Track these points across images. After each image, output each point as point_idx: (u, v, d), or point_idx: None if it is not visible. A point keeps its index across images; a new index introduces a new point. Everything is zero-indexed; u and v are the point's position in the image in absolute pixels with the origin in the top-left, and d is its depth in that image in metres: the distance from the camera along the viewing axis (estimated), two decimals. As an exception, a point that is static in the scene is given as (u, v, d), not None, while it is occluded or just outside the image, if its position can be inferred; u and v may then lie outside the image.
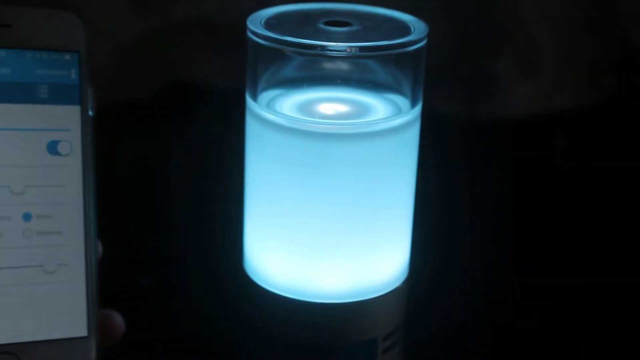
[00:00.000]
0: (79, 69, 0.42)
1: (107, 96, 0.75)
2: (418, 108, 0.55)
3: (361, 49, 0.51)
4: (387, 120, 0.53)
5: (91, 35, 0.43)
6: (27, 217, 0.41)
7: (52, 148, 0.41)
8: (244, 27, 0.53)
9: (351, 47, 0.51)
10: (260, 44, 0.52)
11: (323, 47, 0.51)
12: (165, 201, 0.76)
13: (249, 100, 0.55)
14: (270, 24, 0.53)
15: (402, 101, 0.55)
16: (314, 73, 0.54)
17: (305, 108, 0.54)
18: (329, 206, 0.53)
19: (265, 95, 0.55)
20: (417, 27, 0.54)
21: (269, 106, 0.54)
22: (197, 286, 0.68)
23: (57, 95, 0.41)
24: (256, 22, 0.53)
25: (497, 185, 0.82)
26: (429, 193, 0.59)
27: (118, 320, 0.43)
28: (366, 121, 0.53)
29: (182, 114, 0.80)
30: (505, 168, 0.84)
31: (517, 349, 0.63)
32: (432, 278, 0.62)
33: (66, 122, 0.41)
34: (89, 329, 0.41)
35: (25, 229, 0.41)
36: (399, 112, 0.54)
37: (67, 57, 0.42)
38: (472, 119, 0.86)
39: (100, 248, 0.43)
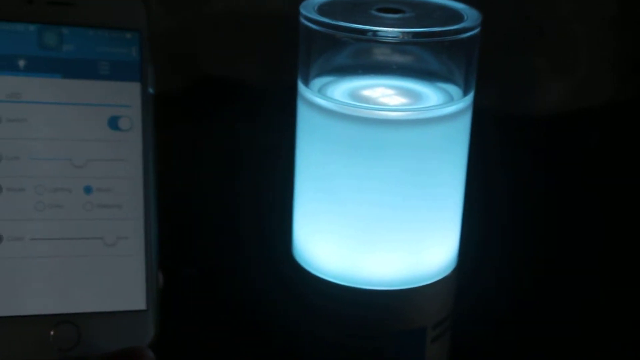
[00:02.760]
0: (139, 47, 0.42)
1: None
2: (470, 96, 0.54)
3: (414, 34, 0.51)
4: (440, 108, 0.53)
5: (152, 15, 0.43)
6: (88, 190, 0.41)
7: (113, 123, 0.42)
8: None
9: (404, 32, 0.51)
10: (313, 30, 0.52)
11: (376, 33, 0.51)
12: (192, 194, 0.76)
13: (300, 85, 0.55)
14: (323, 10, 0.53)
15: (454, 90, 0.54)
16: (366, 61, 0.54)
17: (357, 95, 0.54)
18: (380, 193, 0.52)
19: (317, 82, 0.55)
20: (470, 14, 0.54)
21: (321, 92, 0.53)
22: (245, 273, 0.68)
23: (119, 72, 0.42)
24: (309, 8, 0.53)
25: (530, 181, 0.81)
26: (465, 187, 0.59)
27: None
28: (418, 108, 0.53)
29: (211, 110, 0.80)
30: (539, 165, 0.84)
31: (562, 340, 0.63)
32: (475, 269, 0.62)
33: (127, 98, 0.42)
34: (147, 303, 0.42)
35: (86, 201, 0.41)
36: (450, 100, 0.54)
37: (129, 35, 0.42)
38: (506, 115, 0.86)
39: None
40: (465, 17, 0.53)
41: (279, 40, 0.75)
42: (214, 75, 0.81)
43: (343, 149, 0.52)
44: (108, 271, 0.41)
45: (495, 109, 0.85)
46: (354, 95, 0.54)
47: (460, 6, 0.55)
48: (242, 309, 0.64)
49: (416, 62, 0.54)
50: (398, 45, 0.52)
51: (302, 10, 0.53)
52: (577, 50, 0.86)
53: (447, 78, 0.54)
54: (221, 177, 0.77)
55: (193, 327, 0.61)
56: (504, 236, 0.72)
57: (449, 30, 0.52)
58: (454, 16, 0.54)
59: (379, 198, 0.53)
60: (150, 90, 0.43)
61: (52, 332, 0.40)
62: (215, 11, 0.81)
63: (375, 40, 0.51)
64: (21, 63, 0.40)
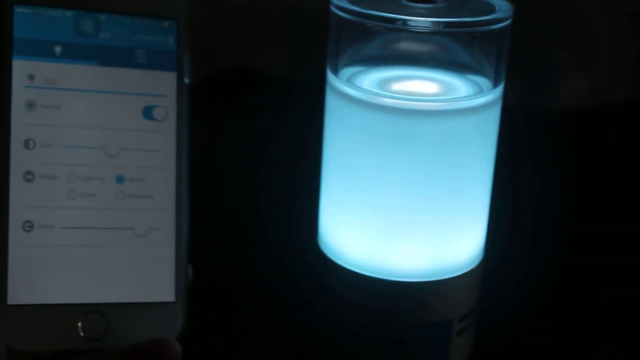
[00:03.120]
0: (176, 36, 0.42)
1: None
2: (500, 88, 0.54)
3: (445, 24, 0.51)
4: (469, 99, 0.52)
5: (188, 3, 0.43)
6: (120, 179, 0.41)
7: (148, 113, 0.42)
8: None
9: (435, 22, 0.50)
10: (343, 18, 0.52)
11: (406, 22, 0.50)
12: (218, 184, 0.76)
13: (329, 74, 0.54)
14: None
15: (484, 81, 0.54)
16: (396, 51, 0.54)
17: (386, 85, 0.53)
18: (408, 184, 0.52)
19: (346, 71, 0.54)
20: (502, 5, 0.53)
21: (350, 82, 0.53)
22: (271, 263, 0.68)
23: (155, 61, 0.42)
24: (340, -3, 0.53)
25: (553, 177, 0.81)
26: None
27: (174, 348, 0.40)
28: (448, 98, 0.52)
29: (236, 99, 0.80)
30: (562, 160, 0.83)
31: (588, 335, 0.63)
32: (501, 262, 0.62)
33: (162, 87, 0.42)
34: (176, 295, 0.42)
35: (118, 191, 0.41)
36: (480, 91, 0.53)
37: (166, 24, 0.42)
38: (529, 110, 0.85)
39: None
40: (497, 8, 0.53)
41: (302, 30, 0.75)
42: (236, 66, 0.81)
43: (371, 139, 0.52)
44: (138, 262, 0.41)
45: (518, 105, 0.84)
46: (383, 85, 0.53)
47: (491, -3, 0.55)
48: (267, 299, 0.64)
49: (446, 53, 0.54)
50: (428, 36, 0.52)
51: (333, -1, 0.53)
52: (600, 46, 0.86)
53: (477, 70, 0.54)
54: (247, 166, 0.77)
55: (219, 318, 0.61)
56: (530, 230, 0.72)
57: (481, 20, 0.51)
58: (486, 7, 0.53)
59: (406, 189, 0.52)
60: (186, 80, 0.42)
61: (80, 322, 0.40)
62: (237, 1, 0.80)
63: (405, 29, 0.51)
64: (57, 49, 0.40)
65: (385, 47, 0.54)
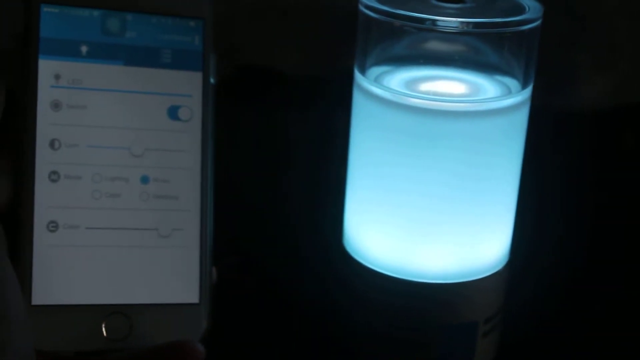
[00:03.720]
0: (202, 36, 0.42)
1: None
2: (528, 90, 0.53)
3: (475, 25, 0.50)
4: (498, 100, 0.52)
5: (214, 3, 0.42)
6: (144, 179, 0.41)
7: (173, 113, 0.41)
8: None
9: (464, 22, 0.50)
10: (372, 18, 0.52)
11: (435, 22, 0.50)
12: (242, 184, 0.76)
13: (357, 74, 0.54)
14: (382, -1, 0.53)
15: (512, 83, 0.53)
16: (424, 51, 0.53)
17: (413, 85, 0.53)
18: (434, 184, 0.52)
19: (374, 71, 0.54)
20: (532, 6, 0.53)
21: (377, 81, 0.53)
22: (296, 264, 0.68)
23: (180, 61, 0.42)
24: (369, -4, 0.53)
25: (577, 178, 0.80)
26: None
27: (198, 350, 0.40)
28: (476, 99, 0.52)
29: (253, 98, 0.80)
30: (579, 160, 0.82)
31: (613, 338, 0.62)
32: (527, 264, 0.61)
33: (188, 87, 0.42)
34: (200, 297, 0.41)
35: (142, 191, 0.41)
36: (508, 93, 0.53)
37: (192, 23, 0.42)
38: (546, 110, 0.84)
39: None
40: (527, 9, 0.52)
41: (321, 29, 0.74)
42: (256, 65, 0.81)
43: (398, 139, 0.52)
44: (162, 263, 0.41)
45: (535, 104, 0.83)
46: (411, 85, 0.53)
47: (521, -3, 0.54)
48: (291, 300, 0.64)
49: (475, 54, 0.53)
50: (457, 36, 0.51)
51: (362, -2, 0.53)
52: (618, 46, 0.85)
53: (505, 71, 0.54)
54: (272, 166, 0.76)
55: (243, 319, 0.60)
56: (556, 231, 0.71)
57: (510, 21, 0.51)
58: (516, 8, 0.53)
59: (432, 189, 0.52)
60: (212, 80, 0.42)
61: (104, 323, 0.40)
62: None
63: (434, 29, 0.50)
64: (84, 49, 0.40)
65: (413, 47, 0.53)
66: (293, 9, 0.77)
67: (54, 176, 0.40)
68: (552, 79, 0.83)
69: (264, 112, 0.78)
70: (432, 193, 0.52)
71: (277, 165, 0.76)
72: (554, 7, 0.79)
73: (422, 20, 0.50)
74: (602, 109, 0.85)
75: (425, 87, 0.53)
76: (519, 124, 0.54)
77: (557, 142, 0.81)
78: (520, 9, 0.53)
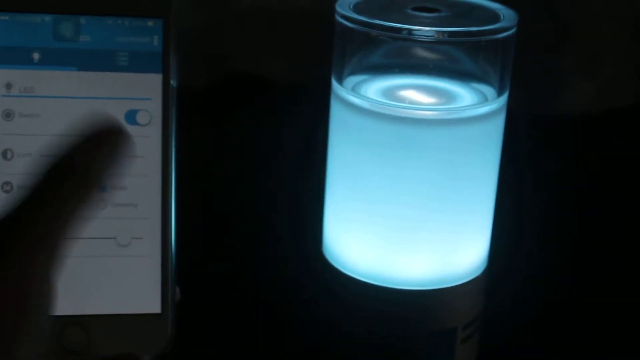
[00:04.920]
0: (162, 36, 0.40)
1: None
2: (504, 97, 0.54)
3: (450, 34, 0.51)
4: (474, 108, 0.53)
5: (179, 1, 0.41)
6: (102, 187, 0.40)
7: (131, 117, 0.39)
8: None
9: (440, 32, 0.50)
10: (348, 27, 0.52)
11: (411, 31, 0.50)
12: (222, 191, 0.76)
13: (334, 83, 0.54)
14: (358, 8, 0.53)
15: (488, 90, 0.54)
16: (400, 60, 0.54)
17: (390, 94, 0.53)
18: (411, 193, 0.52)
19: (351, 80, 0.54)
20: (507, 14, 0.53)
21: (354, 90, 0.53)
22: (276, 270, 0.68)
23: (138, 63, 0.39)
24: (345, 6, 0.53)
25: (556, 183, 0.81)
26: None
27: None
28: (453, 107, 0.52)
29: (238, 105, 0.80)
30: (568, 166, 0.83)
31: (592, 343, 0.63)
32: (505, 270, 0.62)
33: (146, 91, 0.40)
34: (162, 306, 0.40)
35: (99, 199, 0.40)
36: (485, 100, 0.53)
37: (150, 23, 0.39)
38: (532, 115, 0.85)
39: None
40: (502, 17, 0.53)
41: (307, 37, 0.75)
42: (242, 72, 0.81)
43: (376, 148, 0.52)
44: (121, 272, 0.39)
45: (521, 110, 0.84)
46: (388, 93, 0.53)
47: (496, 6, 0.55)
48: (272, 307, 0.64)
49: (451, 62, 0.54)
50: (433, 45, 0.52)
51: (338, 8, 0.53)
52: (604, 50, 0.86)
53: (481, 78, 0.54)
54: (253, 173, 0.77)
55: (222, 325, 0.61)
56: (534, 237, 0.72)
57: (485, 30, 0.51)
58: (491, 16, 0.53)
59: (410, 198, 0.52)
60: (173, 82, 0.40)
61: (60, 334, 0.39)
62: (244, 7, 0.80)
63: (410, 39, 0.51)
64: (36, 56, 0.38)
65: (390, 56, 0.54)
66: (280, 16, 0.78)
67: (7, 187, 0.39)
68: (538, 84, 0.84)
69: (248, 119, 0.78)
70: (409, 200, 0.52)
71: (258, 172, 0.76)
72: (539, 13, 0.80)
73: (399, 30, 0.50)
74: (587, 114, 0.85)
75: (402, 95, 0.53)
76: (495, 130, 0.54)
77: (540, 147, 0.82)
78: (496, 17, 0.53)
